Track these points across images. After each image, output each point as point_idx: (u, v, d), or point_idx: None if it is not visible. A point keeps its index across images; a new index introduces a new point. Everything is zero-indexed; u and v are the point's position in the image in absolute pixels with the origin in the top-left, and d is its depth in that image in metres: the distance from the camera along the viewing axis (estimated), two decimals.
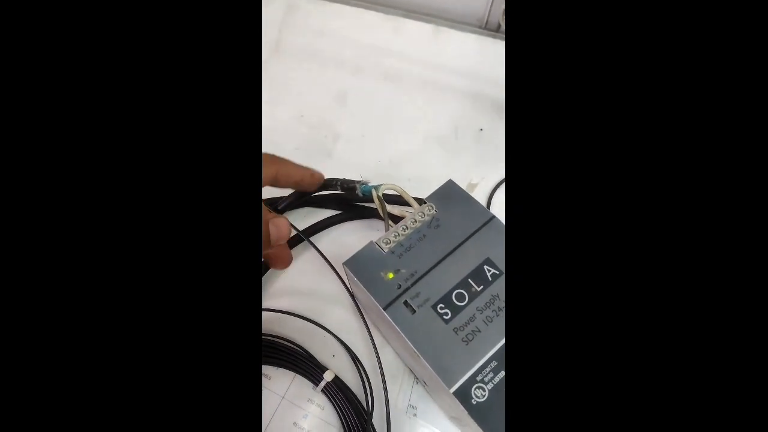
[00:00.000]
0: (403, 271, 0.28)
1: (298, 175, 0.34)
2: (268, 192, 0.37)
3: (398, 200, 0.36)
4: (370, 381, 0.36)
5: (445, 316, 0.27)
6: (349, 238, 0.43)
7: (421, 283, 0.28)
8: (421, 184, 0.46)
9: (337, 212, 0.44)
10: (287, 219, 0.31)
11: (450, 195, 0.31)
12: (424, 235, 0.29)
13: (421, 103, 0.52)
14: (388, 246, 0.29)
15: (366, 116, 0.52)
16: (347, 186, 0.34)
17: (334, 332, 0.38)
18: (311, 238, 0.41)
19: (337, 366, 0.39)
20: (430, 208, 0.30)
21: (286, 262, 0.38)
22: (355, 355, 0.38)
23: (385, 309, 0.27)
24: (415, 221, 0.30)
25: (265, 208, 0.31)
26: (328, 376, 0.37)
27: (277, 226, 0.29)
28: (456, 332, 0.26)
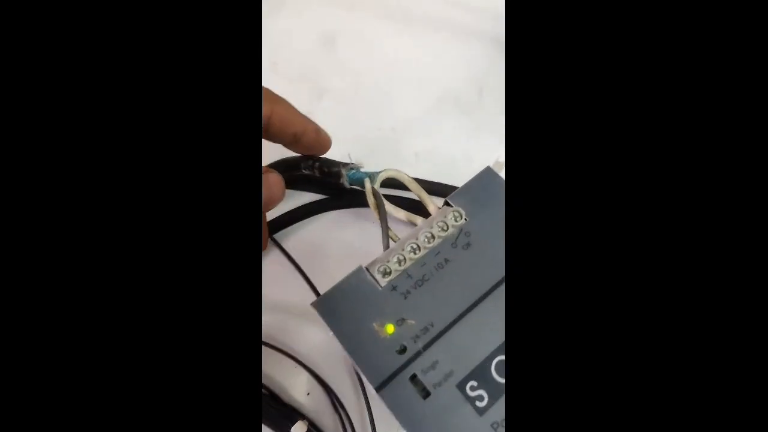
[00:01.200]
0: (410, 322, 0.17)
1: (299, 125, 0.24)
2: None
3: (405, 200, 0.24)
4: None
5: (478, 402, 0.16)
6: (332, 236, 0.32)
7: (439, 345, 0.17)
8: (433, 163, 0.34)
9: (321, 197, 0.33)
10: (280, 176, 0.21)
11: (488, 192, 0.19)
12: (445, 260, 0.18)
13: (434, 52, 0.39)
14: (387, 277, 0.18)
15: (361, 67, 0.39)
16: (328, 169, 0.23)
17: (307, 363, 0.28)
18: (278, 234, 0.30)
19: (313, 408, 0.29)
20: (456, 214, 0.19)
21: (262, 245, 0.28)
22: (336, 397, 0.29)
23: (379, 390, 0.16)
24: (432, 236, 0.18)
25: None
26: (298, 430, 0.27)
27: (268, 186, 0.21)
28: (496, 430, 0.16)
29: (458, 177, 0.35)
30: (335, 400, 0.30)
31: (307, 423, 0.28)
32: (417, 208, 0.21)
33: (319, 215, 0.32)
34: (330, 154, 0.27)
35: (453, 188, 0.31)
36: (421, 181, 0.31)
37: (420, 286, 0.18)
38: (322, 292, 0.29)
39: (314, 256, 0.31)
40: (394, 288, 0.18)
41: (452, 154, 0.35)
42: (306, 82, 0.38)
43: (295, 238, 0.32)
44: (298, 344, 0.29)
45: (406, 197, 0.30)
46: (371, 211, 0.22)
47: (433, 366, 0.17)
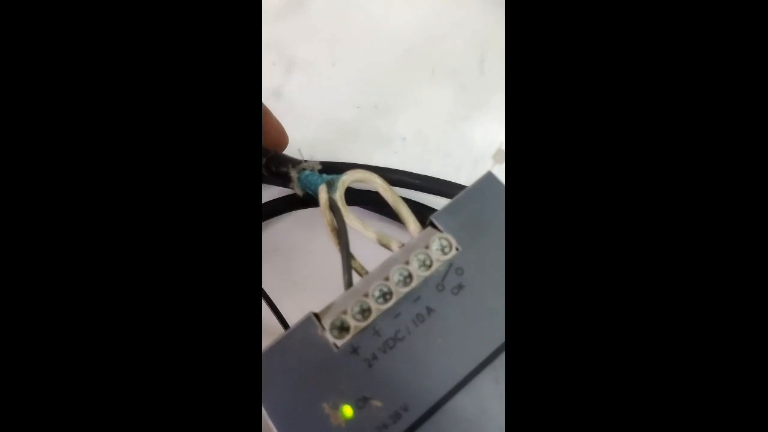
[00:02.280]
0: (376, 403, 0.12)
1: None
2: None
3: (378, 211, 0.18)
4: None
5: None
6: (300, 241, 0.27)
7: None
8: (425, 150, 0.28)
9: (288, 191, 0.27)
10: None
11: (488, 209, 0.14)
12: (428, 309, 0.13)
13: (426, 14, 0.33)
14: (345, 335, 0.12)
15: (340, 31, 0.33)
16: (276, 168, 0.17)
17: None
18: None
19: None
20: (443, 242, 0.13)
21: None
22: None
23: None
24: (410, 275, 0.13)
25: None
26: None
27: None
28: None
29: (456, 169, 0.29)
30: None
31: None
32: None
33: (284, 214, 0.27)
34: (301, 135, 0.22)
35: (449, 185, 0.26)
36: (408, 175, 0.26)
37: (391, 348, 0.12)
38: (285, 316, 0.24)
39: (276, 266, 0.26)
40: (354, 350, 0.12)
41: (448, 138, 0.29)
42: (271, 50, 0.32)
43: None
44: None
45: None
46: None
47: None
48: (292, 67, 0.31)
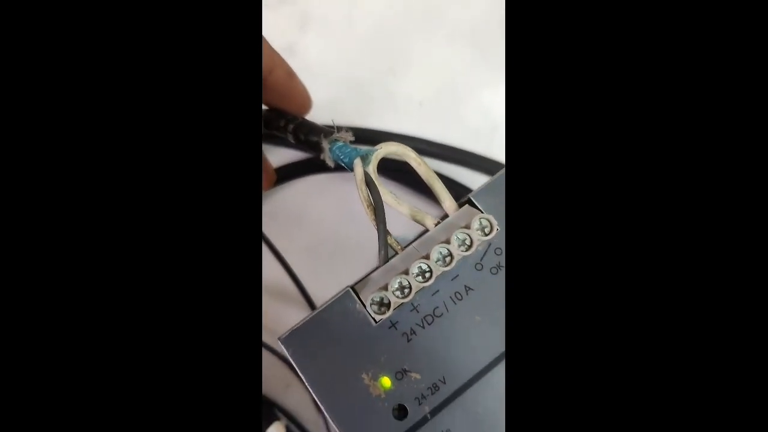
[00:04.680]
0: (414, 375, 0.12)
1: (266, 58, 0.17)
2: None
3: (411, 180, 0.18)
4: None
5: None
6: (314, 207, 0.27)
7: (453, 410, 0.12)
8: (442, 115, 0.28)
9: (302, 156, 0.27)
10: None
11: None
12: (467, 288, 0.13)
13: None
14: (384, 310, 0.13)
15: None
16: (305, 137, 0.17)
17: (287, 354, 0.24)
18: None
19: (293, 404, 0.25)
20: (483, 222, 0.13)
21: None
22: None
23: None
24: (449, 253, 0.13)
25: None
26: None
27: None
28: None
29: (474, 136, 0.29)
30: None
31: (284, 424, 0.25)
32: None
33: (298, 179, 0.27)
34: (319, 103, 0.21)
35: (469, 155, 0.26)
36: (427, 143, 0.25)
37: (429, 324, 0.13)
38: (301, 278, 0.24)
39: (290, 232, 0.26)
40: (393, 325, 0.13)
41: (466, 104, 0.29)
42: (286, 5, 0.30)
43: (267, 207, 0.27)
44: (276, 331, 0.25)
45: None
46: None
47: None
48: (307, 24, 0.30)
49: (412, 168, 0.15)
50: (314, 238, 0.26)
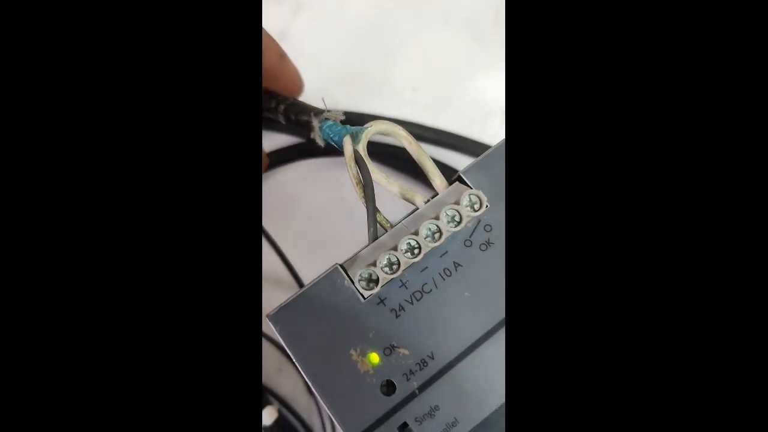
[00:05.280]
0: (402, 351, 0.12)
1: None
2: None
3: (402, 166, 0.18)
4: (333, 420, 0.23)
5: None
6: (306, 192, 0.27)
7: (441, 385, 0.12)
8: (435, 102, 0.28)
9: (294, 140, 0.27)
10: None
11: None
12: (455, 264, 0.13)
13: None
14: (372, 286, 0.13)
15: None
16: (295, 117, 0.17)
17: (276, 337, 0.24)
18: None
19: (286, 388, 0.25)
20: (473, 198, 0.13)
21: None
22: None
23: None
24: (438, 229, 0.13)
25: None
26: (267, 418, 0.24)
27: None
28: None
29: (468, 122, 0.29)
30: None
31: (277, 408, 0.25)
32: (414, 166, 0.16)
33: (290, 164, 0.26)
34: (312, 88, 0.21)
35: (462, 140, 0.25)
36: (421, 128, 0.25)
37: (418, 300, 0.13)
38: (294, 265, 0.24)
39: (283, 217, 0.26)
40: (381, 302, 0.13)
41: (460, 90, 0.28)
42: None
43: (264, 186, 0.27)
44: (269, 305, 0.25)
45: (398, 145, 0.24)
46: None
47: (432, 413, 0.12)
48: (299, 10, 0.30)
49: (403, 154, 0.15)
50: (306, 223, 0.26)
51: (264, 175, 0.26)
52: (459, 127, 0.26)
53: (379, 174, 0.15)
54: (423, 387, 0.12)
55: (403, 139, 0.15)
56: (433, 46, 0.29)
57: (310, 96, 0.22)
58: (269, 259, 0.25)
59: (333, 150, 0.16)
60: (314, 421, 0.26)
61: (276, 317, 0.13)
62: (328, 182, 0.26)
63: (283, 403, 0.26)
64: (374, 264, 0.13)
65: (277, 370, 0.26)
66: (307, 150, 0.26)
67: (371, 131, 0.15)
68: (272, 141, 0.27)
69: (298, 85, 0.19)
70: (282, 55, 0.18)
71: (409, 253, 0.13)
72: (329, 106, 0.16)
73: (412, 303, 0.13)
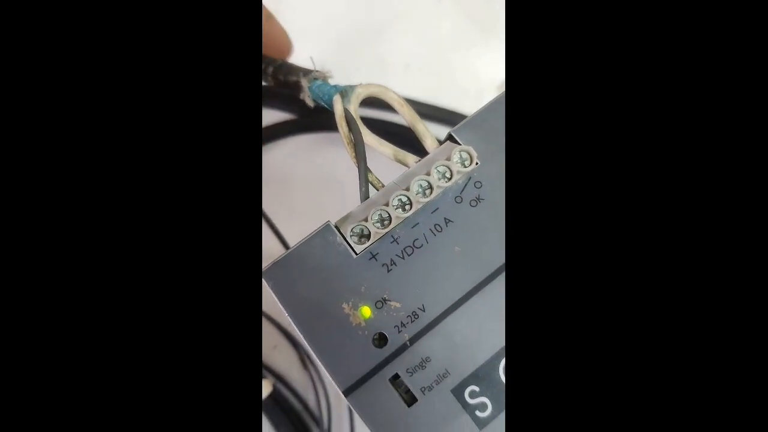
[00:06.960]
0: (394, 304, 0.13)
1: None
2: None
3: (393, 129, 0.18)
4: (328, 393, 0.25)
5: (479, 412, 0.12)
6: (300, 167, 0.27)
7: (432, 337, 0.12)
8: (429, 77, 0.28)
9: (287, 116, 0.27)
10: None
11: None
12: (446, 220, 0.13)
13: None
14: (364, 242, 0.13)
15: None
16: (284, 78, 0.17)
17: (271, 313, 0.25)
18: None
19: (281, 364, 0.25)
20: (464, 155, 0.13)
21: None
22: (305, 351, 0.26)
23: (348, 393, 0.12)
24: (429, 186, 0.13)
25: None
26: (262, 391, 0.24)
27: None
28: None
29: (460, 98, 0.29)
30: (305, 355, 0.26)
31: (272, 383, 0.25)
32: (409, 139, 0.16)
33: (283, 139, 0.26)
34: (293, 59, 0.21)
35: (456, 115, 0.25)
36: (414, 104, 0.25)
37: (409, 255, 0.13)
38: (286, 239, 0.24)
39: (276, 193, 0.26)
40: (373, 257, 0.13)
41: (452, 67, 0.28)
42: None
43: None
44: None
45: (393, 121, 0.24)
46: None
47: (423, 364, 0.12)
48: None
49: (395, 130, 0.15)
50: (300, 199, 0.26)
51: None
52: (453, 102, 0.26)
53: (371, 137, 0.15)
54: (414, 339, 0.12)
55: (394, 101, 0.15)
56: (425, 24, 0.29)
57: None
58: (263, 235, 0.25)
59: (325, 125, 0.16)
60: (309, 396, 0.26)
61: (269, 273, 0.13)
62: (323, 157, 0.26)
63: (279, 378, 0.26)
64: (366, 220, 0.13)
65: (272, 347, 0.27)
66: (301, 125, 0.26)
67: (362, 92, 0.15)
68: (266, 117, 0.27)
69: (287, 47, 0.19)
70: (268, 16, 0.18)
71: (400, 209, 0.13)
72: (318, 67, 0.16)
73: (403, 258, 0.13)
